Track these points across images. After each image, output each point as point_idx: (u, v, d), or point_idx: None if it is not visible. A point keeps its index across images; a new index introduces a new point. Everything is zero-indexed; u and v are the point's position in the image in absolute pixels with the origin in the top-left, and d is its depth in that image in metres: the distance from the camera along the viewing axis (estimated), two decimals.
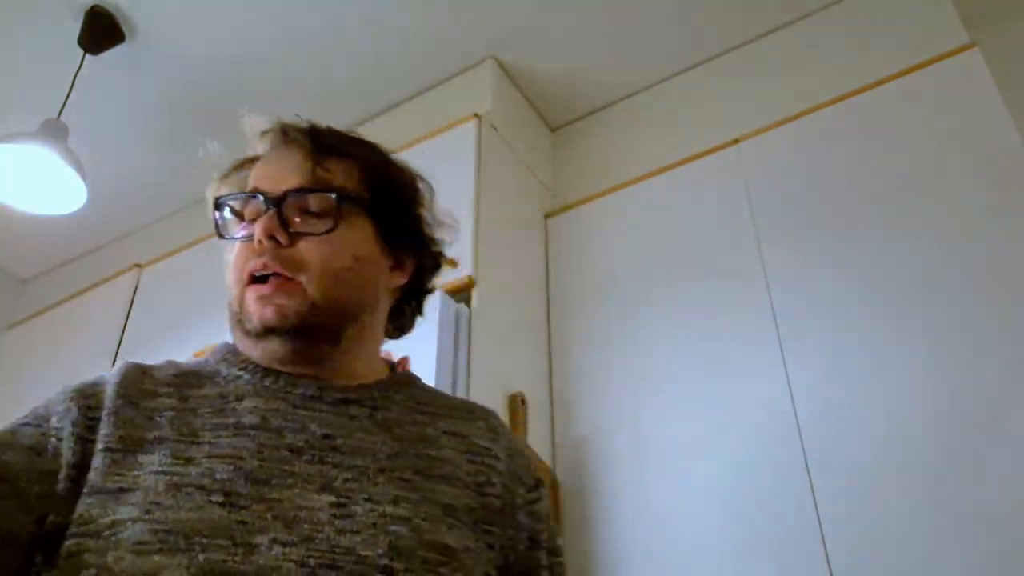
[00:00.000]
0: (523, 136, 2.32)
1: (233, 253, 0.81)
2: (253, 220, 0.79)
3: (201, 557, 0.60)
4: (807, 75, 2.05)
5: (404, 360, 1.65)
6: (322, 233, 0.77)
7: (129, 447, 0.68)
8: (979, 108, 1.69)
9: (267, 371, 0.77)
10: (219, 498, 0.64)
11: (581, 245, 2.14)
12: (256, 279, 0.76)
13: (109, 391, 0.73)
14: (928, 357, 1.51)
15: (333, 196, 0.78)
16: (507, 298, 1.94)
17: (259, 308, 0.76)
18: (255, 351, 0.78)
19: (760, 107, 2.05)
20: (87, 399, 0.72)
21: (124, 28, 2.17)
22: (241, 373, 0.78)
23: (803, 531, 1.46)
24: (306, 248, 0.76)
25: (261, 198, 0.78)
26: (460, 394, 1.64)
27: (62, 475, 0.66)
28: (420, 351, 1.64)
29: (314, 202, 0.78)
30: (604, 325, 1.95)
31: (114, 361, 2.39)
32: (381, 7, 2.15)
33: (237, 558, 0.61)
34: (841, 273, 1.68)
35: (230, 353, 0.82)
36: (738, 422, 1.64)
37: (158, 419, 0.71)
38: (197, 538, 0.61)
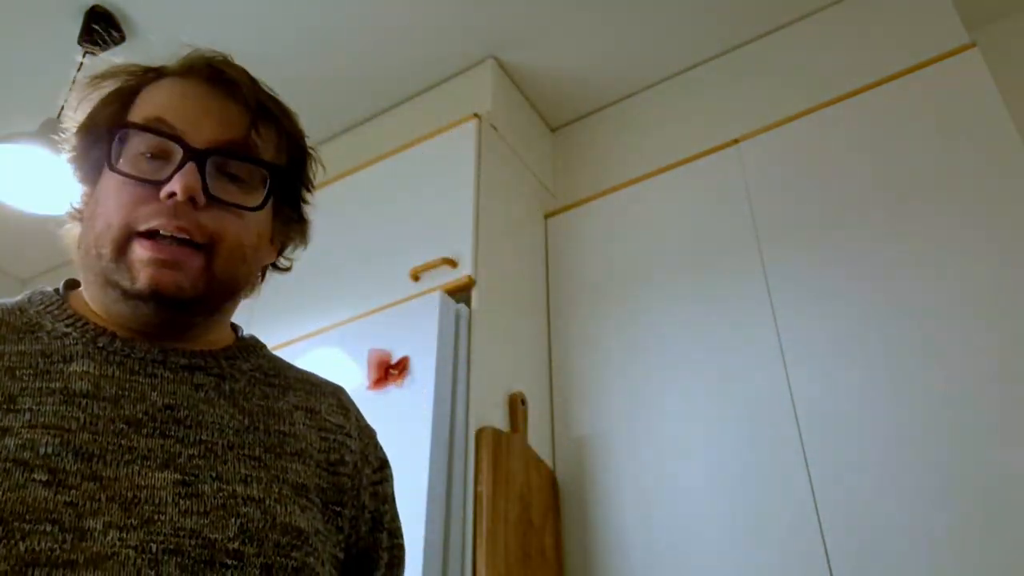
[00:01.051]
0: (523, 136, 2.32)
1: (116, 186, 0.68)
2: (155, 158, 0.68)
3: (22, 545, 0.52)
4: (807, 75, 2.05)
5: (404, 360, 1.66)
6: (246, 209, 0.70)
7: None
8: (979, 108, 1.69)
9: (101, 330, 0.68)
10: (43, 476, 0.56)
11: (581, 245, 2.14)
12: (153, 235, 0.66)
13: None
14: (928, 355, 1.51)
15: (266, 172, 0.72)
16: (507, 298, 1.94)
17: (153, 271, 0.65)
18: (117, 308, 0.68)
19: (760, 107, 2.06)
20: None
21: (124, 28, 2.17)
22: (69, 330, 0.68)
23: (803, 529, 1.46)
24: (221, 219, 0.68)
25: (181, 148, 0.67)
26: (460, 394, 1.64)
27: None
28: (420, 351, 1.64)
29: (241, 169, 0.70)
30: (604, 325, 1.95)
31: None
32: (381, 7, 2.15)
33: (66, 546, 0.53)
34: (841, 273, 1.68)
35: (54, 305, 0.71)
36: (738, 422, 1.64)
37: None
38: (17, 523, 0.53)
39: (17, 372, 0.62)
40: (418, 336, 1.65)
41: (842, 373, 1.57)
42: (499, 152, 2.14)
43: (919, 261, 1.60)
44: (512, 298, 1.97)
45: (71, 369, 0.64)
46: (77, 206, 0.75)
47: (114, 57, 0.76)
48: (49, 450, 0.57)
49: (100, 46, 2.17)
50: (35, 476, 0.56)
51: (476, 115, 2.09)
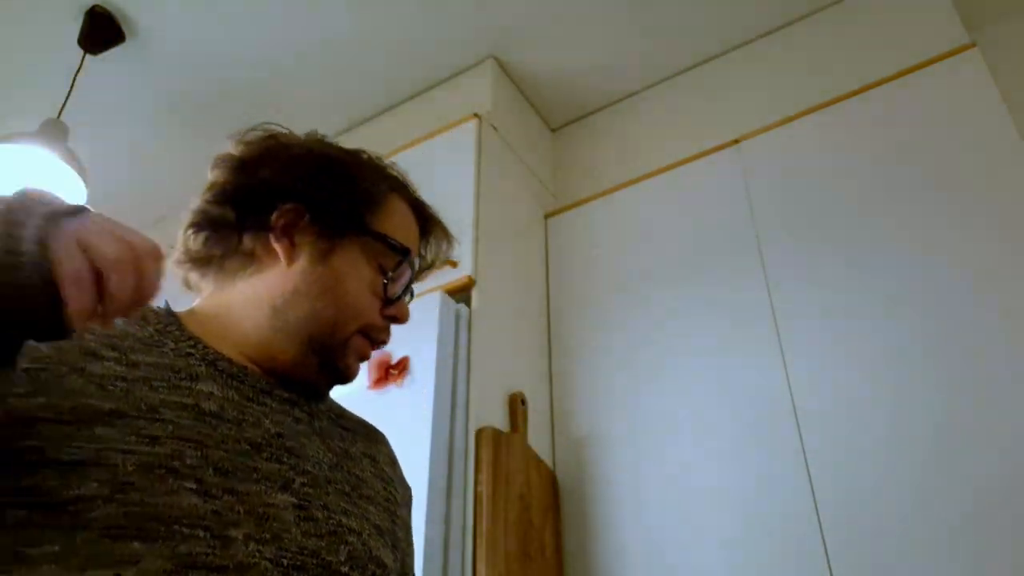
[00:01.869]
0: (523, 136, 2.32)
1: (364, 284, 0.80)
2: (395, 279, 0.82)
3: (183, 547, 0.57)
4: (807, 75, 2.05)
5: (404, 360, 1.66)
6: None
7: (83, 418, 0.61)
8: (979, 108, 1.69)
9: (219, 354, 0.73)
10: (192, 484, 0.60)
11: (581, 245, 2.14)
12: (368, 341, 0.80)
13: (45, 350, 0.65)
14: (927, 354, 1.51)
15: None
16: (507, 298, 1.93)
17: (355, 367, 0.80)
18: (293, 355, 0.76)
19: (760, 107, 2.06)
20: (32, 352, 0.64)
21: (124, 28, 2.17)
22: (192, 351, 0.72)
23: (803, 529, 1.46)
24: None
25: (411, 287, 0.85)
26: (460, 394, 1.64)
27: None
28: (420, 351, 1.64)
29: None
30: (604, 325, 1.95)
31: None
32: (381, 7, 2.15)
33: (216, 551, 0.58)
34: (841, 273, 1.68)
35: (173, 326, 0.75)
36: (738, 421, 1.64)
37: (109, 388, 0.64)
38: (176, 526, 0.58)
39: (153, 383, 0.67)
40: (418, 336, 1.65)
41: (842, 373, 1.57)
42: (499, 152, 2.14)
43: (919, 261, 1.60)
44: (512, 298, 1.97)
45: (198, 387, 0.69)
46: (286, 226, 0.80)
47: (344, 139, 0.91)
48: (193, 462, 0.62)
49: (100, 46, 2.18)
50: (185, 484, 0.60)
51: (476, 115, 2.09)
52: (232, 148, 0.84)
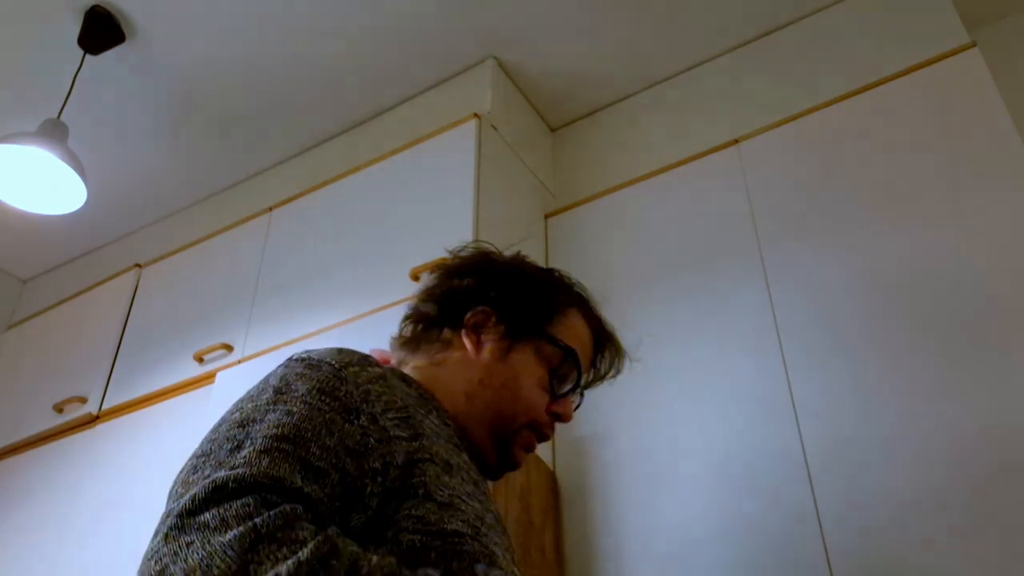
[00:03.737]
0: (523, 136, 2.32)
1: (537, 382, 0.92)
2: (562, 376, 0.95)
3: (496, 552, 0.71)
4: (807, 75, 2.05)
5: None
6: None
7: (443, 467, 0.73)
8: (979, 108, 1.69)
9: (461, 433, 0.86)
10: (498, 539, 0.74)
11: (581, 245, 2.14)
12: (534, 435, 0.92)
13: (404, 401, 0.77)
14: (928, 354, 1.50)
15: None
16: None
17: (521, 457, 0.91)
18: (478, 442, 0.88)
19: (760, 107, 2.06)
20: (387, 406, 0.74)
21: (124, 28, 2.17)
22: (449, 424, 0.85)
23: (803, 529, 1.46)
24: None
25: (580, 391, 1.00)
26: None
27: (384, 475, 0.69)
28: None
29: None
30: None
31: (114, 361, 2.39)
32: (381, 7, 2.15)
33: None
34: (841, 273, 1.68)
35: (426, 398, 0.86)
36: (738, 421, 1.64)
37: (436, 440, 0.76)
38: (508, 568, 0.71)
39: (440, 444, 0.77)
40: None
41: (842, 373, 1.57)
42: (499, 152, 2.14)
43: (919, 261, 1.60)
44: None
45: (461, 459, 0.80)
46: (491, 345, 0.94)
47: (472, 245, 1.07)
48: (486, 524, 0.73)
49: (100, 46, 2.18)
50: (495, 538, 0.73)
51: (476, 115, 2.09)
52: (448, 258, 1.03)
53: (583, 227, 2.17)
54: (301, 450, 0.64)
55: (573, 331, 0.98)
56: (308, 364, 0.74)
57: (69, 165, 2.04)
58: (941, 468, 1.40)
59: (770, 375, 1.64)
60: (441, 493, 0.70)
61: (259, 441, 0.64)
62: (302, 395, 0.70)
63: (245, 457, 0.63)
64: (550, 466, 1.80)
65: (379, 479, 0.68)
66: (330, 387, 0.71)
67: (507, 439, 0.90)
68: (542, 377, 0.93)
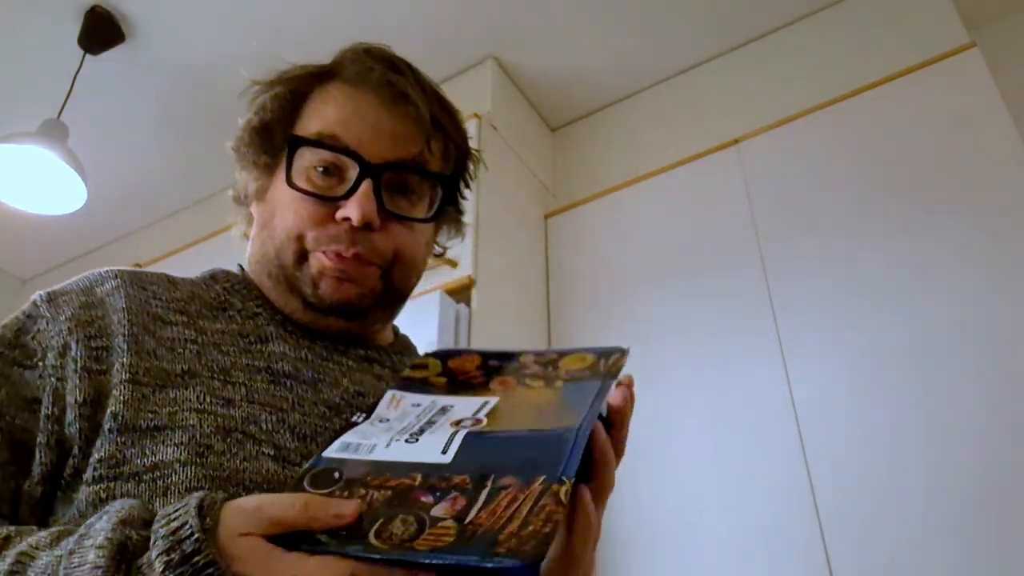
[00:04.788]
0: (523, 136, 2.32)
1: (292, 199, 0.70)
2: (328, 173, 0.69)
3: None
4: (807, 75, 2.05)
5: None
6: (418, 220, 0.71)
7: (159, 381, 0.61)
8: (979, 108, 1.69)
9: (287, 315, 0.71)
10: (269, 450, 0.59)
11: (581, 245, 2.14)
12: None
13: (118, 317, 0.64)
14: (927, 353, 1.51)
15: (439, 185, 0.73)
16: (507, 298, 1.93)
17: (334, 287, 0.68)
18: (298, 315, 0.70)
19: (760, 107, 2.05)
20: (87, 327, 0.63)
21: (124, 28, 2.17)
22: (259, 311, 0.71)
23: (803, 529, 1.46)
24: (395, 236, 0.70)
25: (357, 164, 0.68)
26: None
27: (71, 416, 0.59)
28: (420, 350, 1.64)
29: (412, 182, 0.71)
30: (604, 324, 1.95)
31: None
32: (381, 7, 2.15)
33: None
34: (841, 272, 1.68)
35: (238, 283, 0.75)
36: (738, 421, 1.64)
37: (179, 351, 0.64)
38: (256, 491, 0.55)
39: (223, 347, 0.66)
40: (418, 336, 1.63)
41: (842, 372, 1.57)
42: (499, 152, 2.14)
43: (919, 260, 1.60)
44: (512, 298, 1.97)
45: (270, 349, 0.68)
46: (243, 192, 0.77)
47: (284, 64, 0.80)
48: (269, 426, 0.61)
49: (100, 46, 2.18)
50: (263, 450, 0.59)
51: (476, 115, 2.09)
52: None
53: (583, 227, 2.17)
54: None
55: (311, 116, 0.73)
56: None
57: (69, 165, 2.04)
58: (942, 466, 1.40)
59: (770, 374, 1.64)
60: (147, 417, 0.58)
61: None
62: None
63: None
64: None
65: (67, 427, 0.58)
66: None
67: (297, 277, 0.69)
68: (296, 195, 0.69)
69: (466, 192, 0.83)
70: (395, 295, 0.73)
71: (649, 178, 2.11)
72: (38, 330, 0.64)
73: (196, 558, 0.42)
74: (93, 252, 2.96)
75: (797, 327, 1.67)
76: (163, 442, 0.57)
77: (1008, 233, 1.54)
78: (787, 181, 1.87)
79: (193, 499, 0.45)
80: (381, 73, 0.72)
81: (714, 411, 1.68)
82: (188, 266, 2.48)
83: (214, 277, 0.77)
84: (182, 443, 0.57)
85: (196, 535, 0.43)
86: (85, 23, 2.12)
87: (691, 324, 1.81)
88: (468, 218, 2.11)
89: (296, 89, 0.76)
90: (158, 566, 0.43)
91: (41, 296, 0.67)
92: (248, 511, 0.44)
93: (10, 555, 0.48)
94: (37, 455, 0.59)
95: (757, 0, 2.14)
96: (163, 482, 0.55)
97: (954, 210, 1.62)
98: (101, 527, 0.46)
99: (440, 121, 0.75)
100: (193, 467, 0.56)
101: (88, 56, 2.18)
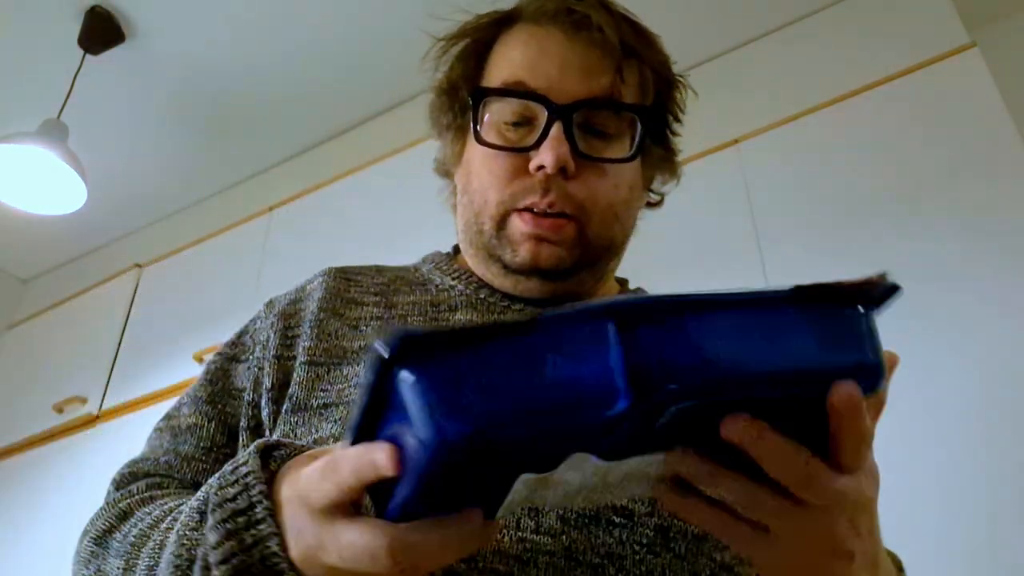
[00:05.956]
0: None
1: (485, 157, 0.67)
2: (519, 124, 0.66)
3: None
4: (807, 75, 2.05)
5: None
6: (617, 161, 0.66)
7: (333, 359, 0.63)
8: (979, 108, 1.69)
9: (484, 283, 0.69)
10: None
11: None
12: (529, 210, 0.64)
13: (312, 306, 0.68)
14: (927, 353, 1.51)
15: (636, 118, 0.66)
16: None
17: (532, 247, 0.64)
18: (499, 281, 0.68)
19: (760, 107, 2.05)
20: (288, 319, 0.69)
21: (124, 28, 2.17)
22: (455, 283, 0.70)
23: None
24: (591, 184, 0.65)
25: (545, 109, 0.63)
26: None
27: (263, 400, 0.63)
28: None
29: (609, 120, 0.66)
30: None
31: (114, 361, 2.39)
32: (381, 8, 2.15)
33: None
34: (841, 273, 1.67)
35: (442, 261, 0.74)
36: None
37: (363, 328, 0.65)
38: None
39: (409, 319, 0.66)
40: None
41: None
42: None
43: (919, 261, 1.60)
44: None
45: (455, 318, 0.66)
46: (444, 161, 0.76)
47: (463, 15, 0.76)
48: None
49: (100, 46, 2.18)
50: None
51: None
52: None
53: None
54: None
55: (497, 65, 0.70)
56: None
57: (69, 165, 2.04)
58: (942, 467, 1.40)
59: None
60: (319, 396, 0.60)
61: None
62: None
63: None
64: None
65: (262, 409, 0.64)
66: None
67: (496, 244, 0.67)
68: (488, 153, 0.66)
69: (676, 127, 0.77)
70: (597, 250, 0.68)
71: None
72: (255, 329, 0.71)
73: (254, 510, 0.42)
74: (93, 252, 2.96)
75: None
76: (327, 419, 0.58)
77: (1009, 232, 1.54)
78: (787, 181, 1.87)
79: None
80: (565, 7, 0.68)
81: None
82: (188, 266, 2.48)
83: (423, 260, 0.77)
84: (340, 418, 0.58)
85: (257, 489, 0.43)
86: (85, 23, 2.12)
87: None
88: None
89: (480, 39, 0.73)
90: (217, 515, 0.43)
91: (266, 301, 0.74)
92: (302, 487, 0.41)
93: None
94: (240, 438, 0.64)
95: (756, 0, 2.14)
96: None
97: (954, 210, 1.62)
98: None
99: (632, 45, 0.69)
100: (345, 443, 0.55)
101: (88, 56, 2.18)
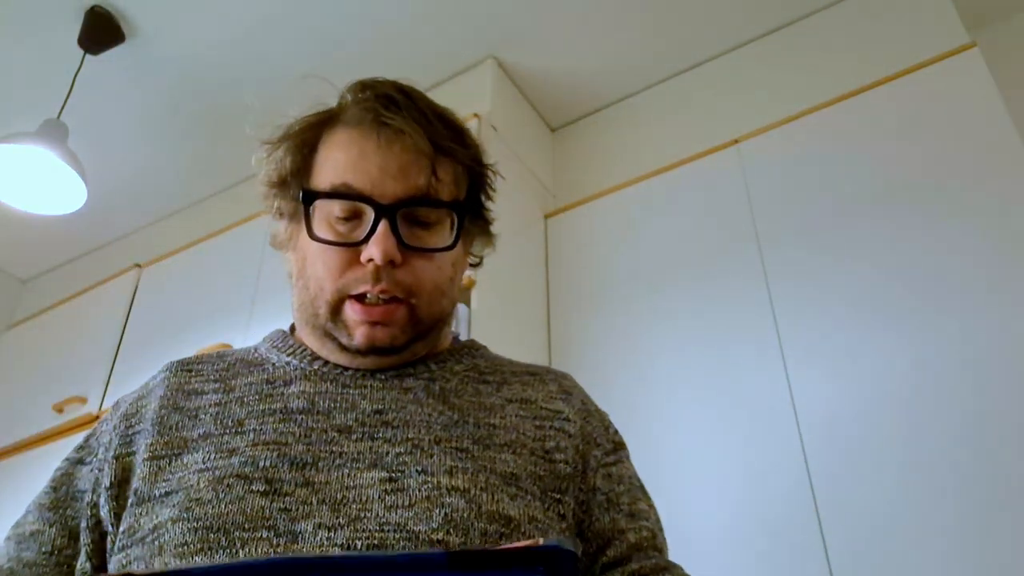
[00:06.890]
0: (523, 136, 2.32)
1: (319, 251, 0.72)
2: (348, 219, 0.72)
3: (242, 552, 0.58)
4: (807, 75, 2.05)
5: None
6: (440, 250, 0.73)
7: (174, 450, 0.67)
8: (979, 108, 1.69)
9: (316, 356, 0.76)
10: (261, 487, 0.62)
11: (581, 245, 2.14)
12: (361, 298, 0.71)
13: (153, 404, 0.73)
14: (928, 354, 1.51)
15: (453, 211, 0.74)
16: (507, 298, 1.93)
17: (367, 331, 0.71)
18: (335, 357, 0.75)
19: (760, 107, 2.05)
20: (129, 419, 0.73)
21: (124, 28, 2.17)
22: (291, 359, 0.76)
23: (803, 529, 1.46)
24: (418, 270, 0.72)
25: (371, 208, 0.70)
26: None
27: (102, 499, 0.68)
28: None
29: (431, 213, 0.73)
30: (604, 325, 1.95)
31: (114, 361, 2.39)
32: (381, 7, 2.15)
33: (279, 549, 0.58)
34: (841, 273, 1.68)
35: (279, 339, 0.80)
36: (738, 422, 1.64)
37: (202, 416, 0.70)
38: (237, 532, 0.59)
39: (245, 400, 0.71)
40: None
41: (842, 373, 1.57)
42: (499, 152, 2.14)
43: (919, 261, 1.60)
44: (512, 298, 1.97)
45: (290, 391, 0.72)
46: (280, 241, 0.82)
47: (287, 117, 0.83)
48: (268, 463, 0.64)
49: (100, 46, 2.18)
50: (254, 487, 0.62)
51: (476, 115, 2.09)
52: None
53: (583, 227, 2.17)
54: None
55: (323, 166, 0.76)
56: None
57: (69, 165, 2.04)
58: (942, 468, 1.40)
59: (770, 375, 1.64)
60: (160, 486, 0.65)
61: None
62: None
63: None
64: None
65: (101, 508, 0.68)
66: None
67: (332, 326, 0.73)
68: (321, 247, 0.72)
69: (489, 204, 0.84)
70: (426, 324, 0.75)
71: (649, 178, 2.11)
72: (100, 431, 0.75)
73: None
74: (93, 252, 2.96)
75: (798, 327, 1.67)
76: (167, 504, 0.62)
77: (1009, 233, 1.54)
78: (787, 181, 1.87)
79: None
80: (376, 112, 0.75)
81: (713, 410, 1.68)
82: (188, 266, 2.48)
83: (264, 338, 0.82)
84: (178, 503, 0.62)
85: None
86: (85, 23, 2.12)
87: (690, 323, 1.81)
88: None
89: (305, 141, 0.79)
90: None
91: (113, 403, 0.77)
92: None
93: None
94: (81, 537, 0.68)
95: (756, 0, 2.14)
96: (159, 541, 0.60)
97: (954, 210, 1.62)
98: None
99: (443, 145, 0.76)
100: (182, 523, 0.60)
101: (88, 56, 2.18)
